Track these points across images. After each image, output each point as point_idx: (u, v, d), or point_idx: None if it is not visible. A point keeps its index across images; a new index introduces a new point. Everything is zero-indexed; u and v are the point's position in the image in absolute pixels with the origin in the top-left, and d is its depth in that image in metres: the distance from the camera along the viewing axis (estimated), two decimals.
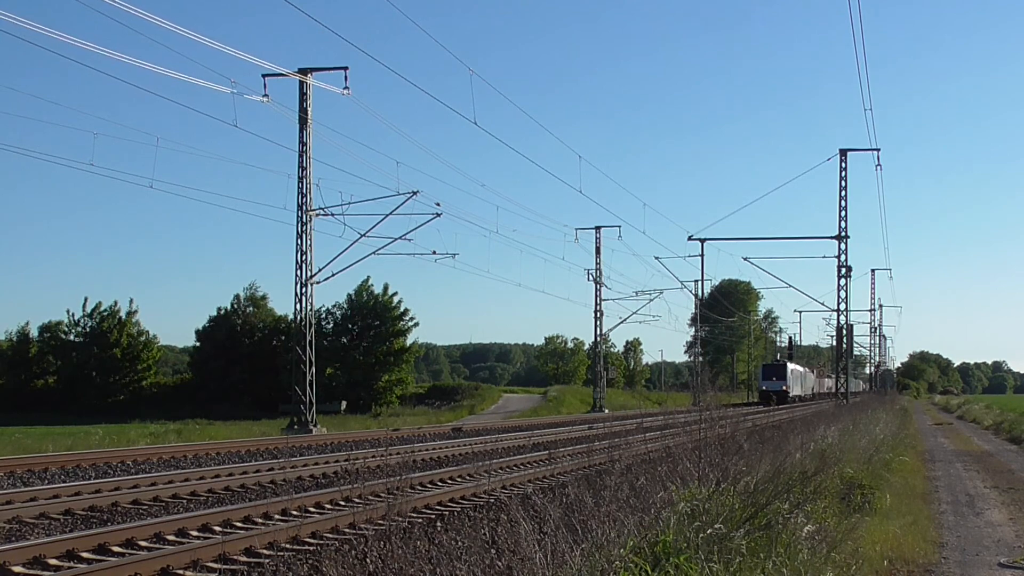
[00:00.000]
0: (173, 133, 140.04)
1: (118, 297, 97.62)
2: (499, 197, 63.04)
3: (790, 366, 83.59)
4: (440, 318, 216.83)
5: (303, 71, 34.80)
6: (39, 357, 65.88)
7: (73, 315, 65.53)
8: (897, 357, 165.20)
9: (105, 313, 65.24)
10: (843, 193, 46.70)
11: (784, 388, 79.06)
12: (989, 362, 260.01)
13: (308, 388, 36.11)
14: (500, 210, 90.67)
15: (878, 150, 47.05)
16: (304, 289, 35.98)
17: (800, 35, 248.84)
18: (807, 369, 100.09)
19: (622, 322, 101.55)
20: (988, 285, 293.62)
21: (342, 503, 14.18)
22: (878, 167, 49.49)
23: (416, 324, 67.27)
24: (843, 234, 47.05)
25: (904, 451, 23.47)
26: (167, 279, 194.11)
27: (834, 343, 67.40)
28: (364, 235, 36.24)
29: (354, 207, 36.31)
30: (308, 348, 36.18)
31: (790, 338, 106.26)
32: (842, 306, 49.62)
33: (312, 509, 14.02)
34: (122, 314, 65.70)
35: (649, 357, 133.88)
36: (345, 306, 66.20)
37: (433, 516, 13.13)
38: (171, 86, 55.47)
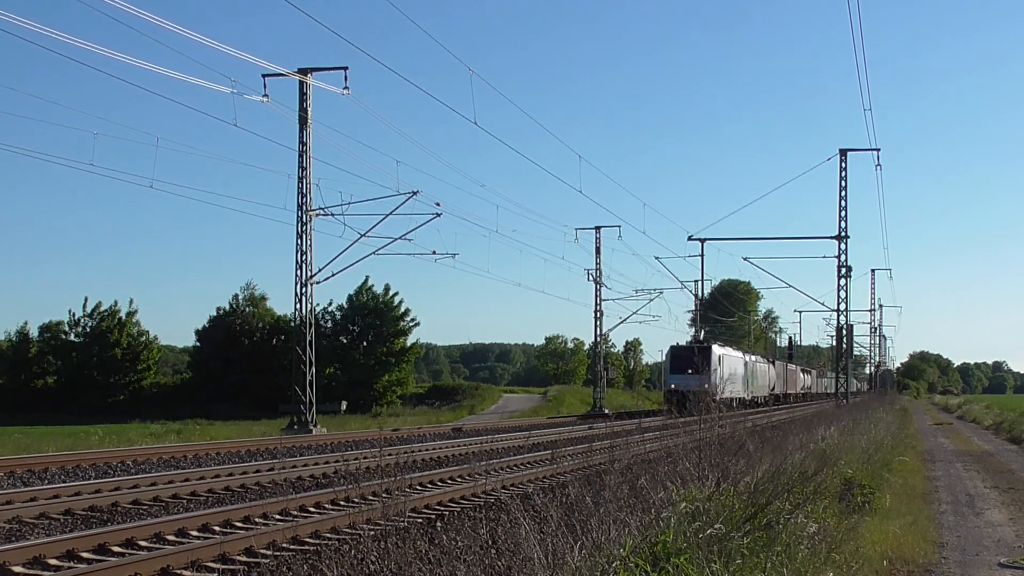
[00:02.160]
0: (173, 133, 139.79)
1: (118, 297, 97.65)
2: (499, 197, 62.97)
3: (718, 351, 56.02)
4: (440, 318, 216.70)
5: (303, 71, 34.81)
6: (39, 357, 65.88)
7: (73, 315, 65.63)
8: (897, 357, 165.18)
9: (105, 313, 65.26)
10: (843, 193, 46.70)
11: (706, 387, 43.70)
12: (989, 362, 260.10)
13: (308, 388, 36.11)
14: (500, 210, 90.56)
15: (878, 150, 47.00)
16: (304, 289, 35.98)
17: (800, 35, 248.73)
18: (760, 358, 73.22)
19: (622, 322, 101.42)
20: (988, 285, 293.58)
21: (342, 503, 14.17)
22: (878, 167, 49.50)
23: (417, 325, 67.36)
24: (843, 234, 47.03)
25: (904, 451, 23.47)
26: (167, 279, 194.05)
27: (834, 343, 67.41)
28: (364, 235, 36.26)
29: (354, 207, 36.35)
30: (308, 348, 36.18)
31: (790, 338, 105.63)
32: (842, 306, 49.59)
33: (312, 509, 14.02)
34: (122, 314, 65.73)
35: (649, 357, 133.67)
36: (345, 306, 66.25)
37: (433, 516, 13.14)
38: (171, 86, 55.48)
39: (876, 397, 71.11)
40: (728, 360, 58.08)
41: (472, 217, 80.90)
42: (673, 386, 50.35)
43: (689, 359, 51.90)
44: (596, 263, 64.35)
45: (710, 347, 54.72)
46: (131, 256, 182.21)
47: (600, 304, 65.53)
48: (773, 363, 76.88)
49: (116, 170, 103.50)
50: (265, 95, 32.85)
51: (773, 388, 74.48)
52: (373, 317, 65.49)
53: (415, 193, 36.04)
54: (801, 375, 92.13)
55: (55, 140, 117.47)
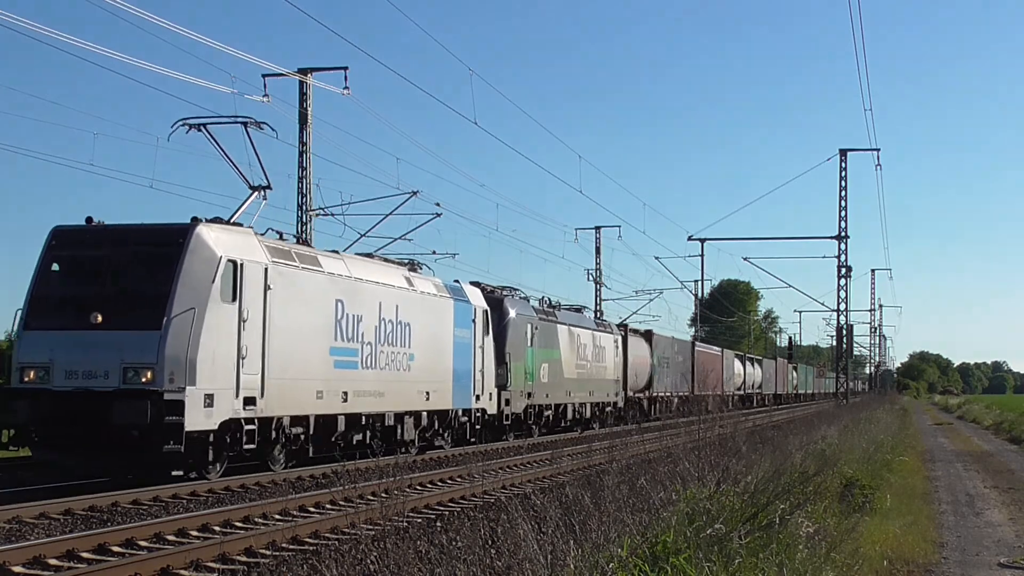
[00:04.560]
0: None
1: None
2: (499, 197, 62.92)
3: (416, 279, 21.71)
4: None
5: (303, 71, 34.74)
6: None
7: None
8: (897, 357, 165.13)
9: None
10: (843, 193, 46.69)
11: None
12: (989, 362, 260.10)
13: None
14: (500, 209, 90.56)
15: (878, 150, 47.12)
16: None
17: (800, 35, 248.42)
18: (607, 325, 40.54)
19: (622, 322, 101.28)
20: (988, 285, 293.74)
21: (342, 503, 14.17)
22: (878, 167, 49.52)
23: None
24: (843, 234, 47.02)
25: (904, 451, 23.48)
26: None
27: (834, 343, 67.37)
28: (364, 235, 36.10)
29: (354, 207, 36.13)
30: None
31: (790, 338, 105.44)
32: (842, 306, 49.62)
33: (312, 509, 14.02)
34: None
35: None
36: None
37: (432, 516, 13.14)
38: (171, 86, 55.40)
39: (876, 397, 71.17)
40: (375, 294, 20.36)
41: (472, 217, 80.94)
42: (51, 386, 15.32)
43: (104, 262, 15.84)
44: (596, 263, 64.25)
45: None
46: None
47: (600, 304, 65.45)
48: (649, 339, 44.88)
49: (116, 170, 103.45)
50: (265, 95, 32.82)
51: (645, 387, 42.67)
52: None
53: (415, 193, 35.92)
54: (738, 365, 63.55)
55: (55, 140, 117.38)
